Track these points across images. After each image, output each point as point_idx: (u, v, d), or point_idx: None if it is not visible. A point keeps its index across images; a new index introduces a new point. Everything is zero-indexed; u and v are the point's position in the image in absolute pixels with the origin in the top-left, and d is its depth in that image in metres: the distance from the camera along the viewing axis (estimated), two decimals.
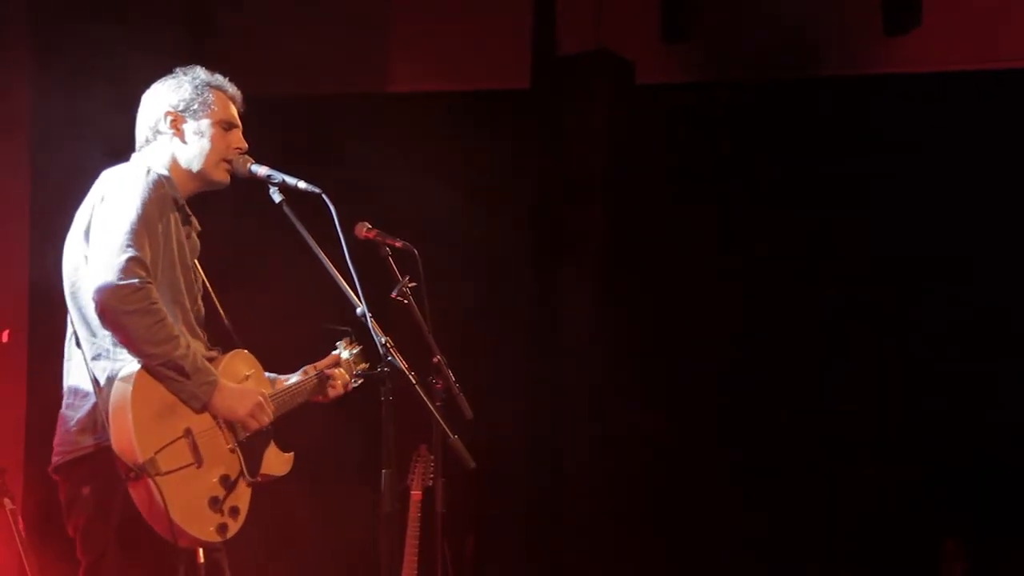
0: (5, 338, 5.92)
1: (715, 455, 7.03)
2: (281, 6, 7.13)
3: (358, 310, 4.06)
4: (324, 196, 4.09)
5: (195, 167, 4.17)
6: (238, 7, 7.13)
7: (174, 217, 4.06)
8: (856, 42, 6.98)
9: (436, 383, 4.41)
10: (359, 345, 4.52)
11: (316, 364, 4.49)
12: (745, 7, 7.04)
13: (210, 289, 4.29)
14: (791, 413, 7.01)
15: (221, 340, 4.24)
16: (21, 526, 5.31)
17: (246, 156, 4.23)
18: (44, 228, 6.26)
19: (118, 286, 3.80)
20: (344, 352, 4.55)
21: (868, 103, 7.02)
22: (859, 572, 6.96)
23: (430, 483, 5.71)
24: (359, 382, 4.49)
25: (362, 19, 7.34)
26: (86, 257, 3.93)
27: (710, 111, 7.12)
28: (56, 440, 4.00)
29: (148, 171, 4.04)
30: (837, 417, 7.00)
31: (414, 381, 4.04)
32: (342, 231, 4.04)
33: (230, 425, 4.03)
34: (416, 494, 5.90)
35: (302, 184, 4.16)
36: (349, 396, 4.52)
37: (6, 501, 5.36)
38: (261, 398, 4.07)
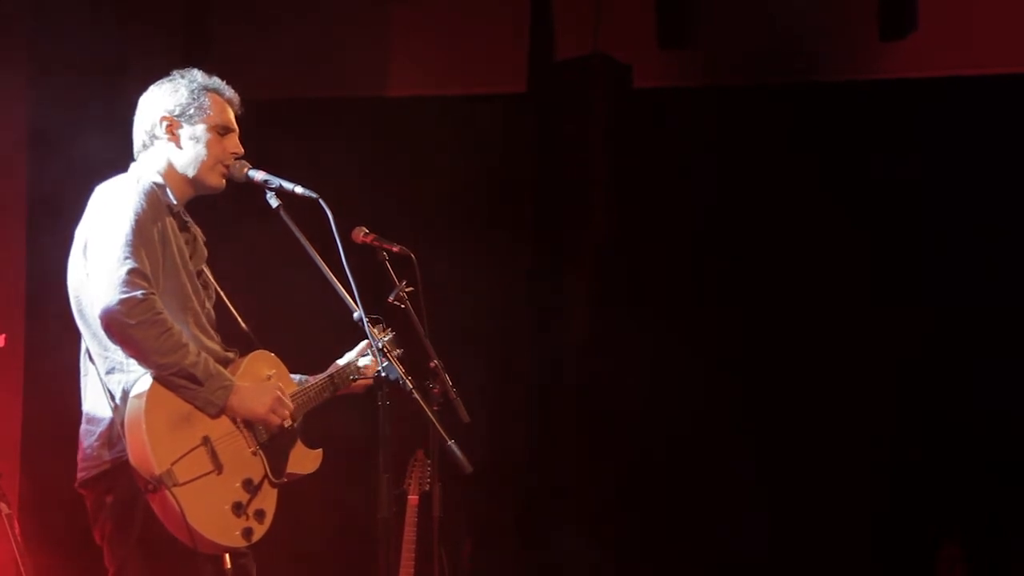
0: (1, 342, 5.91)
1: (714, 458, 7.02)
2: (278, 10, 7.13)
3: (355, 315, 4.06)
4: (321, 201, 4.08)
5: (190, 173, 4.15)
6: (235, 11, 7.13)
7: (170, 223, 4.04)
8: (853, 47, 6.98)
9: (433, 388, 4.41)
10: (391, 331, 4.43)
11: (343, 357, 4.45)
12: (742, 12, 7.04)
13: (223, 295, 4.28)
14: (790, 415, 7.01)
15: (239, 344, 4.23)
16: (17, 530, 5.30)
17: (243, 161, 4.22)
18: (41, 233, 6.27)
19: (121, 300, 3.79)
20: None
21: (864, 108, 7.02)
22: (856, 575, 6.96)
23: (427, 488, 5.70)
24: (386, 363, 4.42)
25: (359, 23, 7.34)
26: (87, 274, 3.93)
27: (707, 115, 7.11)
28: (80, 456, 4.00)
29: (138, 180, 4.04)
30: (835, 419, 6.99)
31: (411, 386, 4.03)
32: (339, 235, 4.04)
33: (251, 427, 4.01)
34: (413, 498, 5.89)
35: (299, 189, 4.15)
36: (342, 398, 4.50)
37: (2, 506, 5.34)
38: (279, 392, 4.05)
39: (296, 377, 4.32)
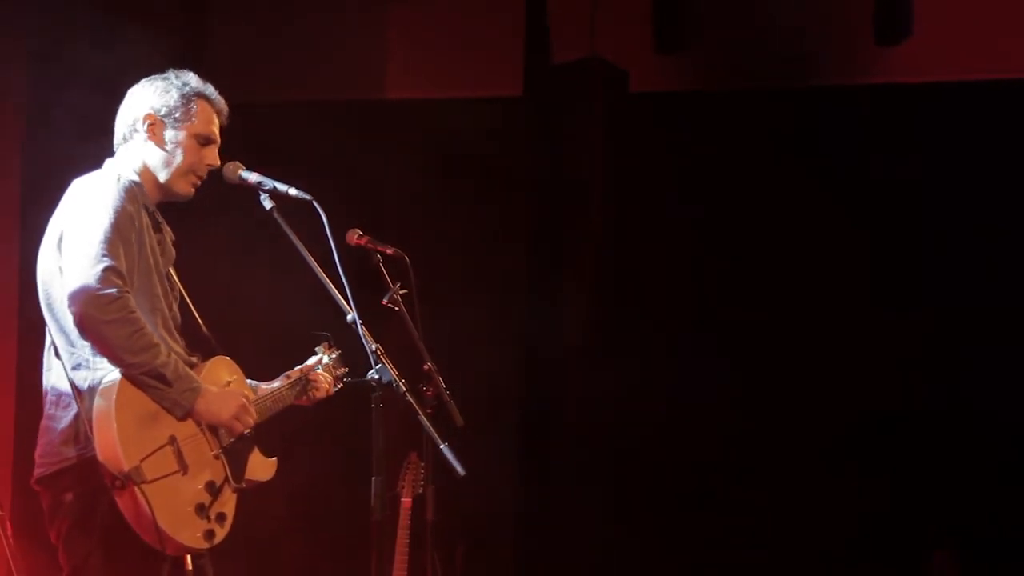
0: None
1: (709, 462, 7.02)
2: (275, 14, 7.12)
3: (348, 317, 4.06)
4: (315, 203, 4.09)
5: (162, 176, 4.14)
6: (233, 15, 7.12)
7: (146, 223, 4.04)
8: (849, 52, 6.97)
9: (427, 390, 4.40)
10: (338, 349, 4.53)
11: (294, 369, 4.48)
12: (739, 17, 7.03)
13: (187, 297, 4.27)
14: (790, 414, 7.00)
15: (200, 348, 4.23)
16: (9, 531, 5.30)
17: (237, 163, 4.22)
18: (35, 233, 6.24)
19: (96, 296, 3.78)
20: (324, 356, 4.55)
21: (860, 112, 7.01)
22: None
23: (420, 490, 5.71)
24: (340, 385, 4.51)
25: (356, 27, 7.33)
26: (60, 268, 3.91)
27: (704, 120, 7.11)
28: (38, 452, 3.98)
29: (119, 178, 4.03)
30: (834, 419, 6.98)
31: (404, 389, 4.03)
32: (333, 238, 4.03)
33: (214, 431, 4.03)
34: (406, 501, 5.90)
35: (293, 191, 4.16)
36: (335, 401, 4.52)
37: None
38: (244, 399, 4.07)
39: (251, 382, 4.33)
